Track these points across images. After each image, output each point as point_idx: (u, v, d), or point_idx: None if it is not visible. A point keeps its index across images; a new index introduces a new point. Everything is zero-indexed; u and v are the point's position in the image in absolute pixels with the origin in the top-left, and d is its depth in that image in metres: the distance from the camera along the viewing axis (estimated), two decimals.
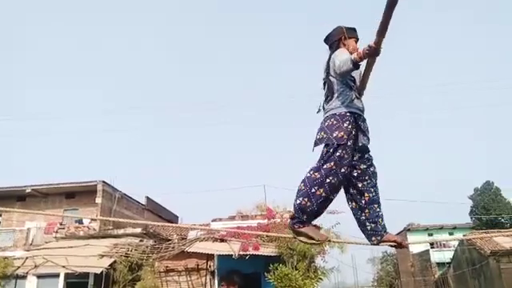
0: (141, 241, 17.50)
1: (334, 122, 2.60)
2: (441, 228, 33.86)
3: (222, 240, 15.73)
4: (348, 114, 2.62)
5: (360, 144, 2.64)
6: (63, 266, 15.29)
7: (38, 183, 21.57)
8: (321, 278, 14.64)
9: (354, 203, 2.71)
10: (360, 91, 2.79)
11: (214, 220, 18.63)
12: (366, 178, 2.68)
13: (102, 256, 15.54)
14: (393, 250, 40.78)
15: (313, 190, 2.52)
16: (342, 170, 2.54)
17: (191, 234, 17.32)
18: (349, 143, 2.56)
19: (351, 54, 2.50)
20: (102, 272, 14.89)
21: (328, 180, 2.52)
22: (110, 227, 19.87)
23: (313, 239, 2.61)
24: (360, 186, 2.67)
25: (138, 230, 18.30)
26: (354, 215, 2.74)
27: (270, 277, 13.54)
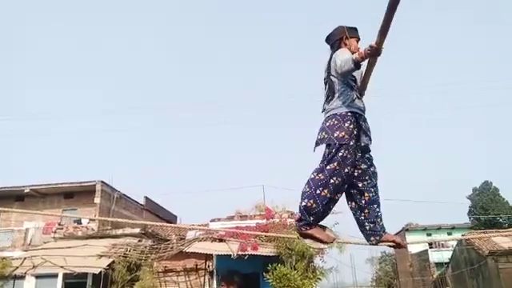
0: (139, 241, 17.49)
1: (335, 122, 2.59)
2: (439, 228, 33.91)
3: (220, 240, 15.74)
4: (349, 113, 2.61)
5: (362, 144, 2.63)
6: (61, 267, 15.28)
7: (37, 183, 21.52)
8: (319, 278, 14.67)
9: (353, 203, 2.71)
10: (361, 91, 2.78)
11: (212, 220, 18.61)
12: (367, 177, 2.68)
13: (101, 256, 15.52)
14: (391, 250, 40.87)
15: (318, 192, 2.51)
16: (346, 170, 2.54)
17: (190, 234, 17.32)
18: (351, 143, 2.55)
19: (353, 53, 2.50)
20: (100, 272, 14.85)
21: (332, 181, 2.52)
22: (109, 227, 19.85)
23: (320, 241, 2.60)
24: (360, 185, 2.67)
25: (137, 230, 18.29)
26: (354, 215, 2.74)
27: (268, 277, 13.55)
